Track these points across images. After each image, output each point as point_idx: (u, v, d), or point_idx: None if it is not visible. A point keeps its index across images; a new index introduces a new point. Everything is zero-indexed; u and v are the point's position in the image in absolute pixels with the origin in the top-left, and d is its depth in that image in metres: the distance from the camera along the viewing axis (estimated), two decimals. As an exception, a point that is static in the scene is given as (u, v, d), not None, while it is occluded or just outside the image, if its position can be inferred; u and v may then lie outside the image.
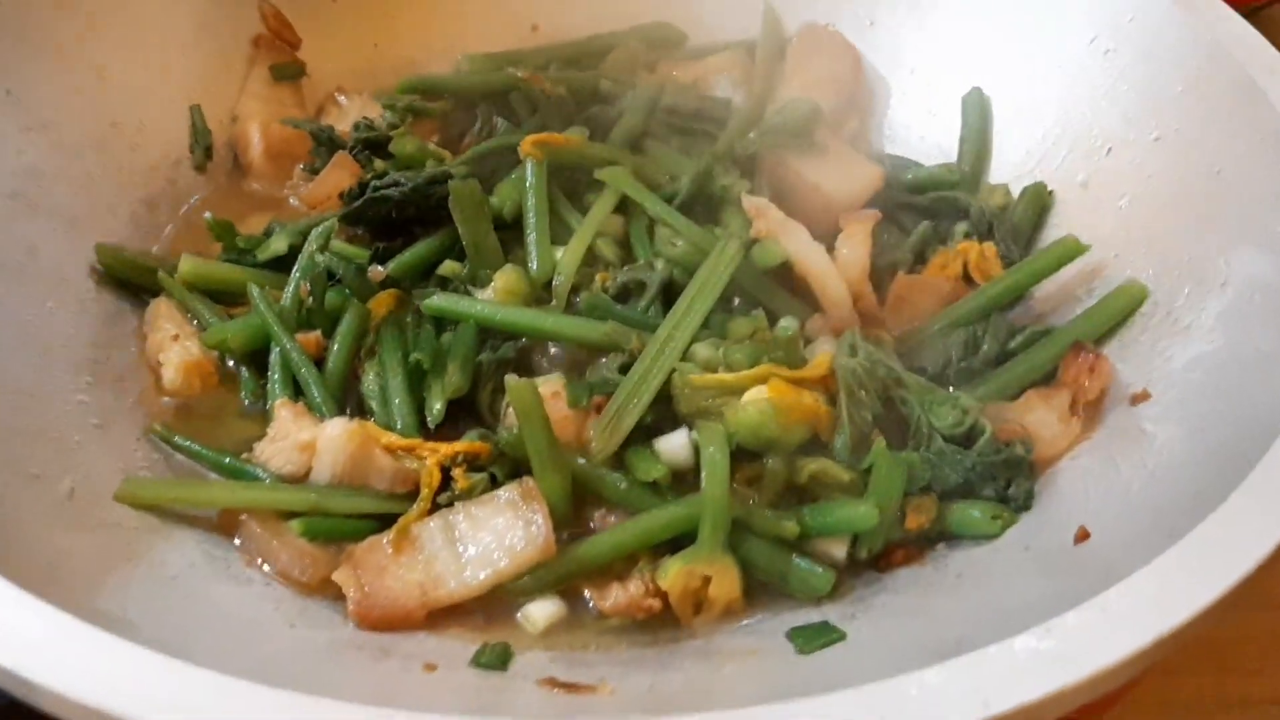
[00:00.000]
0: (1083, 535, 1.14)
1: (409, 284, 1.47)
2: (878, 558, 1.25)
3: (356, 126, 1.62)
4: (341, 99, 1.74)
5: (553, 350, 1.42)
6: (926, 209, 1.61)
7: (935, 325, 1.45)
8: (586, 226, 1.48)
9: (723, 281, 1.38)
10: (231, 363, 1.43)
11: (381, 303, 1.43)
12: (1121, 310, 1.39)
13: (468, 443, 1.27)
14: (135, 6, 1.62)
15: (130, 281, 1.48)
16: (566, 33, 1.88)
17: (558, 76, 1.70)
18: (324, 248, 1.43)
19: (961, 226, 1.57)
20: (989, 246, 1.53)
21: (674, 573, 1.18)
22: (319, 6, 1.79)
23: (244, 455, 1.31)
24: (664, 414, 1.32)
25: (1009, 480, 1.26)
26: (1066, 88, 1.60)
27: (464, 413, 1.35)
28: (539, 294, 1.45)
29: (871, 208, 1.57)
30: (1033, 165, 1.62)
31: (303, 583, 1.20)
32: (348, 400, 1.38)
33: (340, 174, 1.56)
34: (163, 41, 1.65)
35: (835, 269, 1.42)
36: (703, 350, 1.34)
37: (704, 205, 1.53)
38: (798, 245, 1.42)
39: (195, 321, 1.45)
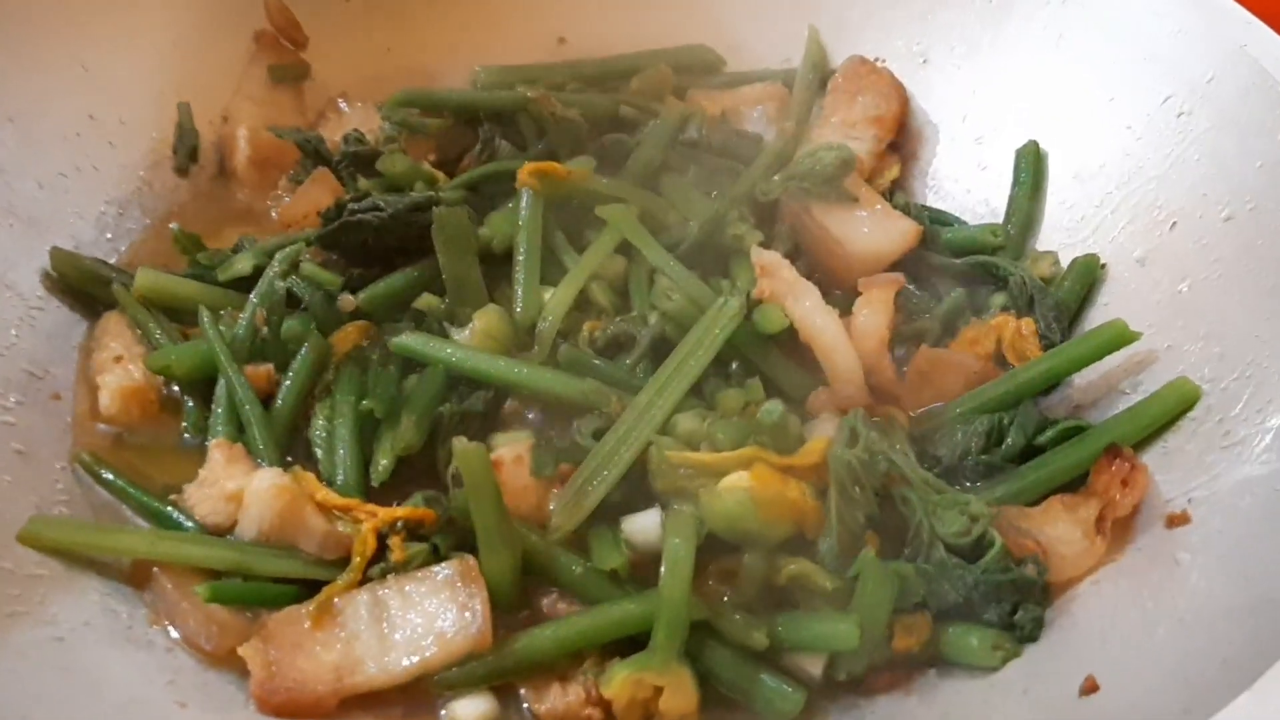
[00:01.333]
0: (1091, 687, 0.99)
1: (381, 317, 1.35)
2: (858, 680, 1.10)
3: (346, 139, 1.50)
4: (343, 106, 1.62)
5: (523, 404, 1.29)
6: (962, 273, 1.46)
7: (957, 408, 1.29)
8: (580, 268, 1.35)
9: (716, 345, 1.25)
10: (177, 389, 1.31)
11: (346, 337, 1.31)
12: (1168, 412, 1.22)
13: (410, 508, 1.15)
14: (127, -10, 1.52)
15: (84, 292, 1.37)
16: (596, 48, 1.74)
17: (572, 98, 1.57)
18: (287, 274, 1.32)
19: (999, 298, 1.42)
20: (1027, 323, 1.36)
21: (620, 680, 1.04)
22: (330, 4, 1.67)
23: (172, 497, 1.20)
24: (637, 488, 1.18)
25: (1016, 604, 1.11)
26: (1132, 150, 1.43)
27: (416, 469, 1.23)
28: (521, 339, 1.32)
29: (901, 267, 1.42)
30: (1086, 234, 1.45)
31: (207, 652, 1.09)
32: (295, 444, 1.26)
33: (320, 191, 1.44)
34: (155, 31, 1.55)
35: (847, 340, 1.28)
36: (686, 422, 1.20)
37: (713, 255, 1.39)
38: (806, 310, 1.27)
39: (147, 340, 1.33)
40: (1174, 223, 1.36)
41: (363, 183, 1.44)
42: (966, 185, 1.59)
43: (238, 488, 1.15)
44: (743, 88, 1.68)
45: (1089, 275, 1.41)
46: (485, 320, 1.31)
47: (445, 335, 1.32)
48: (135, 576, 1.14)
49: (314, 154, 1.50)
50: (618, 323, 1.32)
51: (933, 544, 1.12)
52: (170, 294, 1.36)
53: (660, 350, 1.28)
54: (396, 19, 1.71)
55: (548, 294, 1.34)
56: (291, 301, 1.33)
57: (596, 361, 1.28)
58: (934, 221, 1.52)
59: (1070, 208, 1.48)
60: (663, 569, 1.06)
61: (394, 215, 1.34)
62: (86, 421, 1.29)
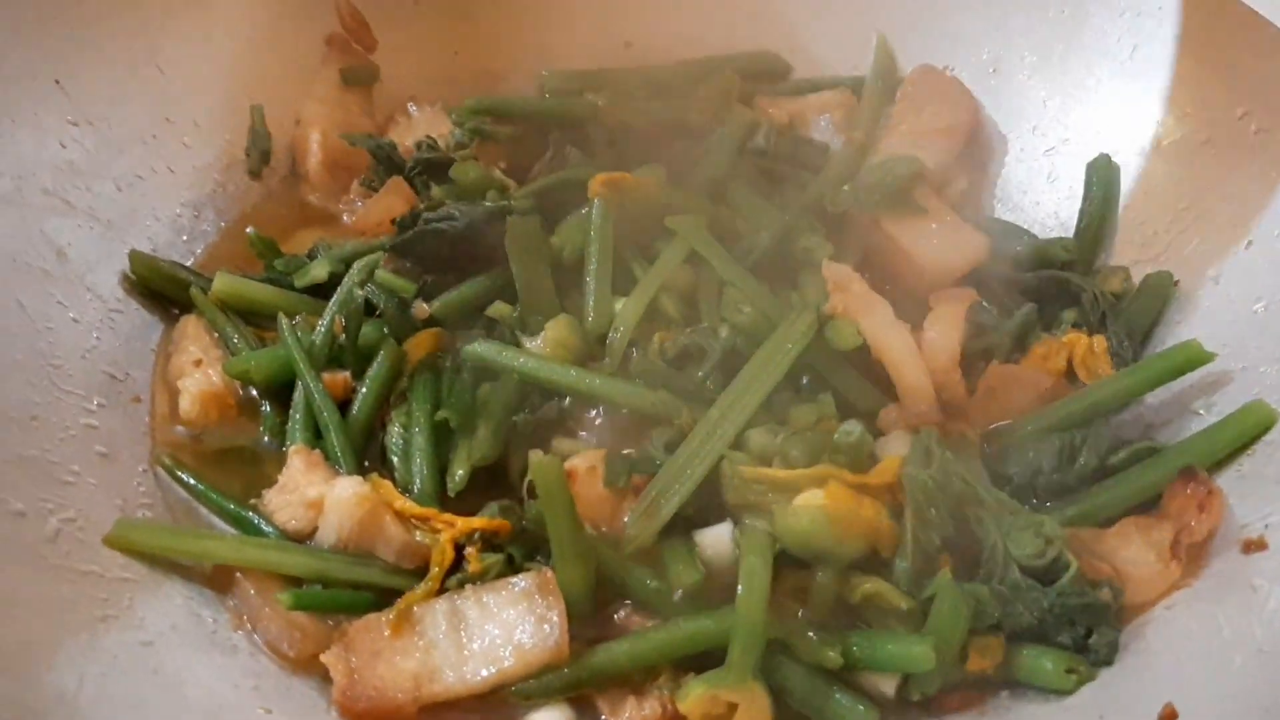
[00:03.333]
0: (1169, 715, 0.98)
1: (453, 324, 1.36)
2: (931, 699, 1.10)
3: (419, 146, 1.51)
4: (412, 109, 1.63)
5: (595, 413, 1.29)
6: (1033, 288, 1.45)
7: (1028, 426, 1.29)
8: (650, 279, 1.35)
9: (788, 360, 1.25)
10: (253, 391, 1.33)
11: (420, 344, 1.33)
12: (1244, 435, 1.21)
13: (486, 519, 1.16)
14: (202, -5, 1.53)
15: (161, 294, 1.39)
16: (662, 53, 1.74)
17: (640, 107, 1.56)
18: (365, 282, 1.32)
19: (1070, 314, 1.41)
20: (1099, 340, 1.36)
21: (695, 696, 1.04)
22: (399, 7, 1.67)
23: (252, 501, 1.22)
24: (708, 501, 1.19)
25: (1090, 628, 1.10)
26: (1206, 166, 1.42)
27: (488, 477, 1.24)
28: (592, 348, 1.33)
29: (971, 281, 1.42)
30: (1159, 250, 1.44)
31: (290, 658, 1.10)
32: (370, 449, 1.27)
33: (394, 199, 1.45)
34: (229, 35, 1.56)
35: (918, 357, 1.27)
36: (758, 437, 1.20)
37: (782, 265, 1.39)
38: (877, 326, 1.27)
39: (224, 344, 1.35)
40: (1250, 241, 1.34)
41: (435, 191, 1.44)
42: (1036, 197, 1.58)
43: (318, 495, 1.16)
44: (809, 95, 1.67)
45: (1162, 292, 1.40)
46: (557, 329, 1.32)
47: (517, 343, 1.33)
48: (216, 580, 1.16)
49: (386, 161, 1.51)
50: (688, 334, 1.32)
51: (1007, 565, 1.12)
52: (247, 298, 1.37)
53: (730, 362, 1.29)
54: (464, 22, 1.71)
55: (618, 304, 1.35)
56: (365, 308, 1.35)
57: (668, 373, 1.29)
58: (1003, 234, 1.51)
59: (1142, 223, 1.46)
60: (740, 587, 1.07)
61: (468, 224, 1.35)
62: (164, 424, 1.30)
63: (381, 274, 1.34)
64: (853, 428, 1.17)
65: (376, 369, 1.29)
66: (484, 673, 1.07)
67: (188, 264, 1.45)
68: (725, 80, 1.66)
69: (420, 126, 1.60)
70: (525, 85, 1.70)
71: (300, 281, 1.38)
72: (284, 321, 1.30)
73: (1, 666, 0.83)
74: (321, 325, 1.31)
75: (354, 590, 1.14)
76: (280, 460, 1.26)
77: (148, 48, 1.47)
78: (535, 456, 1.12)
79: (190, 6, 1.51)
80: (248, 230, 1.44)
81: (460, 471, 1.21)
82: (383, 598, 1.14)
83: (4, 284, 1.25)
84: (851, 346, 1.25)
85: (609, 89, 1.62)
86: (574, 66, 1.70)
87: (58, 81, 1.38)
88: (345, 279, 1.33)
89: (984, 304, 1.41)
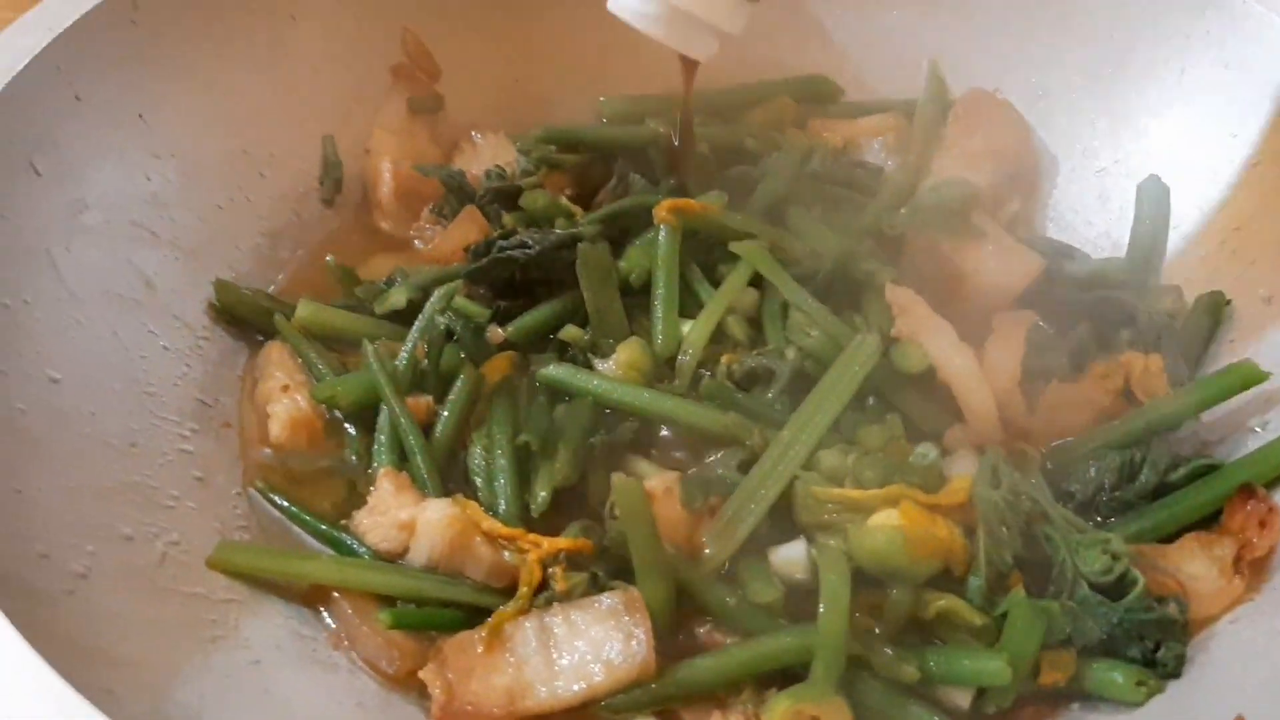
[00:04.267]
0: (1241, 727, 1.02)
1: (526, 347, 1.41)
2: (1005, 712, 1.14)
3: (488, 175, 1.56)
4: (476, 137, 1.68)
5: (666, 433, 1.34)
6: (1088, 308, 1.48)
7: (1089, 444, 1.33)
8: (717, 302, 1.40)
9: (856, 382, 1.29)
10: (337, 413, 1.38)
11: (496, 367, 1.37)
12: (1301, 452, 1.25)
13: (571, 539, 1.20)
14: (274, 29, 1.57)
15: (245, 321, 1.44)
16: (715, 78, 1.75)
17: (700, 132, 1.61)
18: (445, 309, 1.37)
19: (1126, 333, 1.44)
20: (1155, 359, 1.39)
21: (781, 710, 1.08)
22: (461, 37, 1.71)
23: (342, 522, 1.26)
24: (781, 520, 1.23)
25: (1158, 642, 1.14)
26: (1256, 188, 1.46)
27: (566, 497, 1.28)
28: (660, 370, 1.38)
29: (1026, 301, 1.46)
30: (1210, 270, 1.47)
31: (388, 675, 1.15)
32: (451, 471, 1.32)
33: (469, 228, 1.50)
34: (300, 67, 1.60)
35: (982, 377, 1.31)
36: (829, 458, 1.25)
37: (843, 288, 1.43)
38: (942, 349, 1.31)
39: (309, 369, 1.40)
40: (1301, 261, 1.38)
41: (507, 219, 1.49)
42: (1087, 217, 1.62)
43: (409, 517, 1.21)
44: (862, 119, 1.71)
45: (1215, 312, 1.43)
46: (628, 353, 1.36)
47: (589, 366, 1.38)
48: (311, 597, 1.21)
49: (458, 190, 1.56)
50: (754, 356, 1.36)
51: (1076, 582, 1.16)
52: (329, 325, 1.42)
53: (797, 384, 1.33)
54: (522, 49, 1.75)
55: (685, 326, 1.39)
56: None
57: (738, 395, 1.33)
58: (1057, 254, 1.55)
59: (1194, 243, 1.50)
60: (821, 605, 1.11)
61: (541, 252, 1.40)
62: (252, 447, 1.35)
63: (459, 300, 1.39)
64: (928, 450, 1.22)
65: (457, 393, 1.33)
66: (574, 688, 1.11)
67: (267, 290, 1.49)
68: (781, 105, 1.70)
69: (485, 153, 1.65)
70: (581, 110, 1.74)
71: (380, 308, 1.42)
72: (368, 348, 1.34)
73: (138, 685, 0.87)
74: (404, 351, 1.35)
75: (446, 609, 1.19)
76: (363, 480, 1.31)
77: (225, 81, 1.51)
78: (618, 479, 1.16)
79: (264, 40, 1.55)
80: (327, 259, 1.49)
81: (543, 494, 1.25)
82: (472, 616, 1.18)
83: (100, 315, 1.30)
84: (919, 369, 1.29)
85: (666, 114, 1.67)
86: (629, 91, 1.74)
87: (141, 116, 1.42)
88: (426, 306, 1.38)
89: (1041, 324, 1.45)
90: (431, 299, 1.38)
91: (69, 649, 0.93)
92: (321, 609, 1.21)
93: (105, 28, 1.37)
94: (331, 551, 1.25)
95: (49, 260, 1.27)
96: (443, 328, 1.37)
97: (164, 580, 1.13)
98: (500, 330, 1.40)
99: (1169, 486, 1.28)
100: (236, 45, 1.53)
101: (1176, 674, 1.13)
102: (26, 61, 1.29)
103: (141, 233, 1.39)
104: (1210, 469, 1.28)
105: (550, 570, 1.19)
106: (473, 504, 1.24)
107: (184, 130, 1.47)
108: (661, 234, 1.43)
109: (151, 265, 1.39)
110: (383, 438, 1.31)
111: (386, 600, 1.19)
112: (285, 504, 1.28)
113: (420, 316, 1.38)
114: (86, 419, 1.21)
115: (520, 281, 1.42)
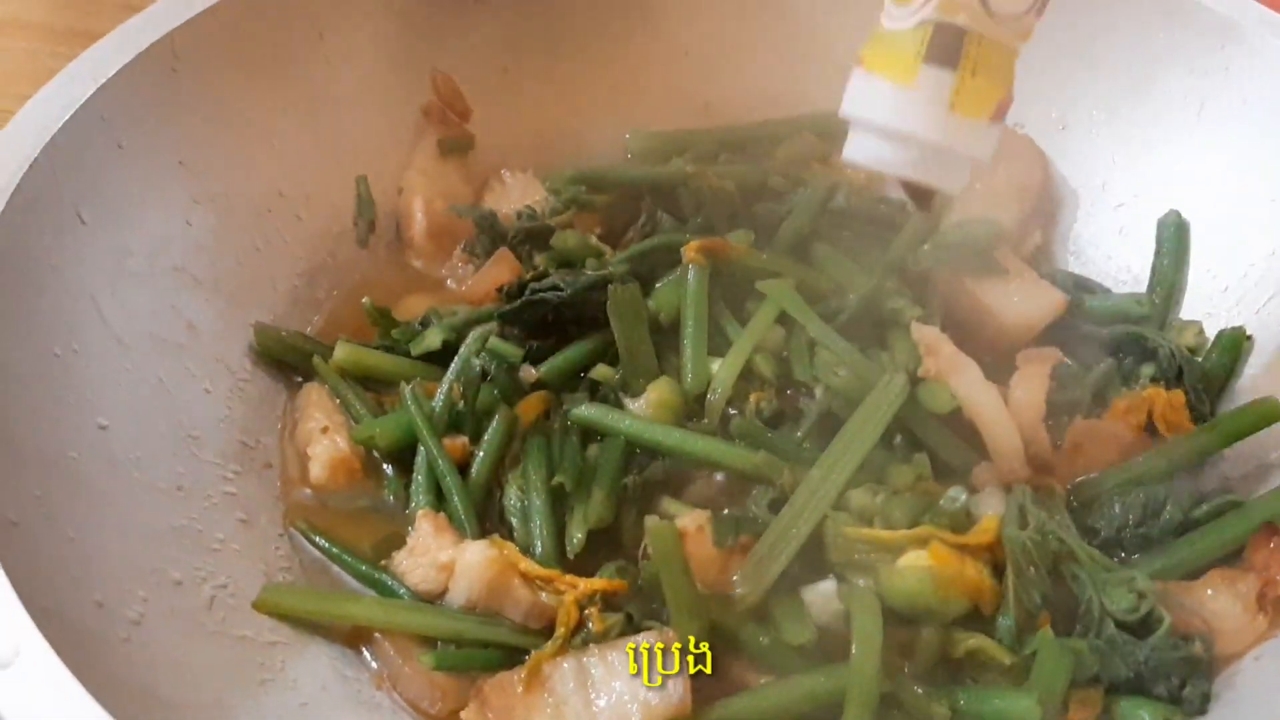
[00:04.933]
0: (1267, 765, 1.04)
1: (558, 386, 1.44)
2: (1033, 749, 1.17)
3: (519, 215, 1.59)
4: (506, 176, 1.71)
5: (696, 471, 1.37)
6: (1109, 343, 1.51)
7: (1113, 480, 1.35)
8: (745, 340, 1.42)
9: (884, 422, 1.31)
10: (374, 453, 1.41)
11: (530, 407, 1.40)
12: (1324, 490, 1.27)
13: (606, 580, 1.23)
14: (308, 70, 1.59)
15: (284, 362, 1.47)
16: (739, 113, 1.81)
17: (726, 170, 1.64)
18: (480, 350, 1.40)
19: (1148, 368, 1.46)
20: (1177, 395, 1.41)
21: (815, 749, 1.12)
22: (490, 76, 1.74)
23: (383, 563, 1.29)
24: (811, 559, 1.26)
25: (1184, 679, 1.16)
26: (1275, 223, 1.48)
27: (602, 537, 1.31)
28: (690, 408, 1.40)
29: (1048, 337, 1.48)
30: (1230, 304, 1.50)
31: (431, 715, 1.18)
32: (489, 511, 1.35)
33: (502, 269, 1.53)
34: (333, 108, 1.62)
35: (1009, 416, 1.34)
36: (858, 497, 1.27)
37: (869, 326, 1.46)
38: (969, 387, 1.33)
39: (347, 410, 1.43)
40: (1321, 297, 1.41)
41: (539, 259, 1.53)
42: (1107, 251, 1.64)
43: (449, 558, 1.24)
44: (885, 154, 1.74)
45: (1235, 348, 1.45)
46: (659, 392, 1.39)
47: (620, 405, 1.41)
48: (353, 637, 1.23)
49: (490, 230, 1.59)
50: (784, 395, 1.39)
51: (1103, 620, 1.18)
52: (366, 366, 1.45)
53: (826, 423, 1.36)
54: (550, 87, 1.77)
55: (714, 364, 1.42)
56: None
57: (768, 434, 1.36)
58: (1078, 288, 1.57)
59: (1214, 278, 1.52)
60: (853, 646, 1.14)
61: (573, 293, 1.43)
62: (293, 488, 1.38)
63: (494, 341, 1.42)
64: (958, 494, 1.24)
65: (492, 434, 1.36)
66: (612, 728, 1.15)
67: (305, 331, 1.53)
68: (805, 141, 1.73)
69: (514, 191, 1.68)
70: (610, 148, 1.77)
71: (416, 350, 1.45)
72: (405, 390, 1.37)
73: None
74: (441, 392, 1.38)
75: (486, 649, 1.22)
76: (400, 520, 1.34)
77: (262, 125, 1.54)
78: (651, 523, 1.19)
79: (299, 84, 1.58)
80: (363, 301, 1.52)
81: (579, 535, 1.27)
82: (511, 655, 1.21)
83: (145, 361, 1.32)
84: (947, 410, 1.32)
85: (692, 151, 1.70)
86: (655, 128, 1.78)
87: (181, 162, 1.45)
88: (462, 348, 1.41)
89: (1064, 360, 1.47)
90: (467, 341, 1.41)
91: (128, 697, 0.96)
92: (363, 649, 1.24)
93: (147, 76, 1.40)
94: (372, 592, 1.28)
95: (95, 307, 1.30)
96: (478, 369, 1.39)
97: (213, 624, 1.16)
98: (533, 370, 1.43)
99: (1192, 523, 1.30)
100: (273, 90, 1.55)
101: (1203, 711, 1.15)
102: (73, 111, 1.32)
103: (183, 277, 1.42)
104: (1233, 505, 1.30)
105: (586, 611, 1.22)
106: (510, 545, 1.26)
107: (222, 175, 1.50)
108: (690, 273, 1.46)
109: (193, 309, 1.41)
110: (420, 478, 1.34)
111: (427, 641, 1.22)
112: (326, 545, 1.31)
113: (456, 358, 1.41)
114: (134, 464, 1.24)
115: (552, 321, 1.45)
